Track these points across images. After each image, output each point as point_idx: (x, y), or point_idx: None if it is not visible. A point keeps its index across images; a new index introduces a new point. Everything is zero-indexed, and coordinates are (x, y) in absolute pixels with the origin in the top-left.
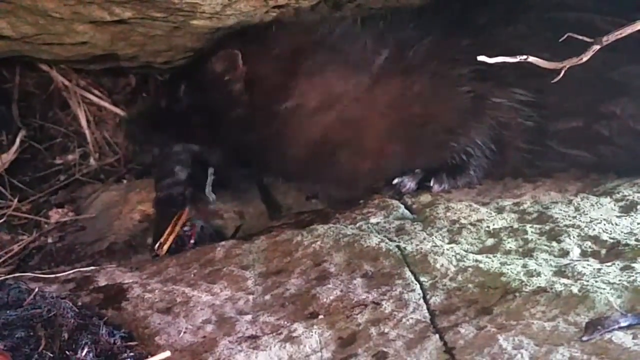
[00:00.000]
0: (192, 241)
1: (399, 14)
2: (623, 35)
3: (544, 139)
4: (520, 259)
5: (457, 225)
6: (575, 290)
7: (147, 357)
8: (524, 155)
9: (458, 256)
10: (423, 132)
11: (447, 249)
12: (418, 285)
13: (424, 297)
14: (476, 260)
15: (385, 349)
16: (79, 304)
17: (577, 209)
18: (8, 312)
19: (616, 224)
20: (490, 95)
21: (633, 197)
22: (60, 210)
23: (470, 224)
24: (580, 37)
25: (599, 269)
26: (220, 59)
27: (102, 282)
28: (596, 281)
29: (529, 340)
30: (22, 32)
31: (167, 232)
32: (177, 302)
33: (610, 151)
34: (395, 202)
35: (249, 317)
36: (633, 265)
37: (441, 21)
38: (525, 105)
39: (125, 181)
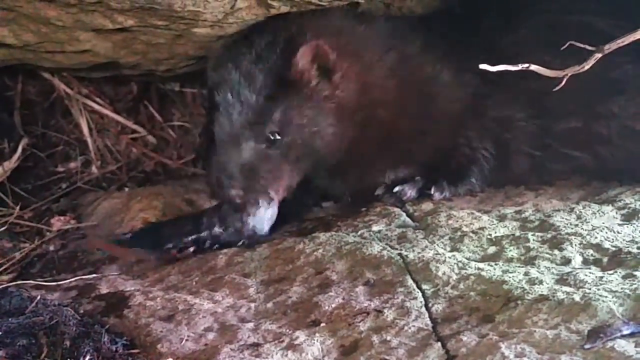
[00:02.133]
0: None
1: (402, 19)
2: (625, 43)
3: (546, 140)
4: (522, 267)
5: (459, 233)
6: (577, 298)
7: None
8: (527, 160)
9: (460, 264)
10: (423, 135)
11: (449, 257)
12: (420, 293)
13: (426, 305)
14: (478, 268)
15: (387, 357)
16: (81, 311)
17: (579, 217)
18: (10, 319)
19: (618, 232)
20: (488, 95)
21: (635, 205)
22: (62, 217)
23: (472, 231)
24: (582, 46)
25: (601, 277)
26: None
27: (104, 289)
28: (598, 289)
29: (531, 349)
30: (24, 40)
31: None
32: (179, 310)
33: (609, 152)
34: (397, 210)
35: (251, 325)
36: (635, 273)
37: (442, 26)
38: (525, 105)
39: (127, 189)
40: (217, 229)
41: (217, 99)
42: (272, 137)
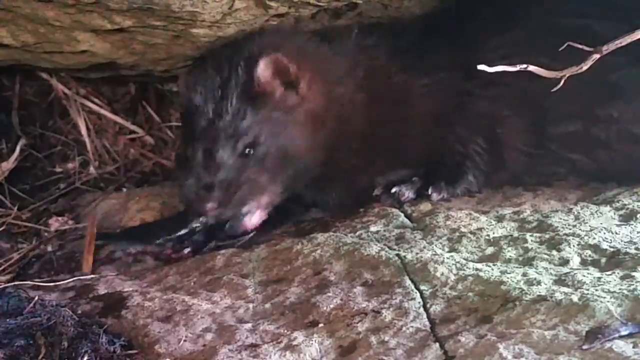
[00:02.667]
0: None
1: (397, 21)
2: (623, 44)
3: (544, 141)
4: (521, 267)
5: (457, 234)
6: (575, 298)
7: None
8: (523, 159)
9: (458, 265)
10: (407, 139)
11: (447, 258)
12: (418, 294)
13: (424, 306)
14: (476, 269)
15: (385, 358)
16: (79, 312)
17: (577, 218)
18: (8, 320)
19: (616, 233)
20: (474, 90)
21: (633, 206)
22: (60, 218)
23: (470, 232)
24: (580, 47)
25: (599, 278)
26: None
27: (102, 290)
28: (596, 290)
29: (529, 349)
30: (22, 41)
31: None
32: (177, 311)
33: (608, 156)
34: (395, 211)
35: (249, 326)
36: (633, 274)
37: (437, 27)
38: (515, 100)
39: (125, 189)
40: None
41: (188, 118)
42: (246, 151)
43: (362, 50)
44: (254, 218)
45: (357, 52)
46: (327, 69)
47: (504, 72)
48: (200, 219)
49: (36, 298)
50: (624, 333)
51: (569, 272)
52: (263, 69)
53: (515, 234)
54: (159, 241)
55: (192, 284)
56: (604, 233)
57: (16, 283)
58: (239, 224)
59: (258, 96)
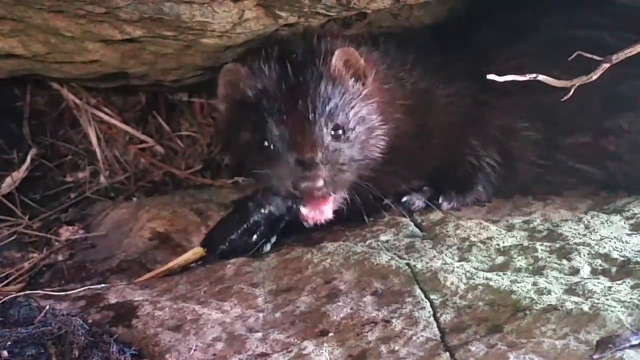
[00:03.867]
0: None
1: (407, 32)
2: (633, 53)
3: (554, 152)
4: (531, 276)
5: (467, 243)
6: (586, 308)
7: None
8: (534, 170)
9: (468, 274)
10: (429, 143)
11: (457, 267)
12: (428, 303)
13: (434, 315)
14: (486, 278)
15: None
16: (90, 321)
17: (587, 227)
18: (19, 329)
19: (626, 242)
20: (489, 101)
21: None
22: (70, 227)
23: (480, 241)
24: (590, 56)
25: (610, 287)
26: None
27: (113, 299)
28: (607, 299)
29: (539, 359)
30: (33, 51)
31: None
32: (188, 320)
33: (619, 167)
34: (405, 220)
35: (259, 335)
36: None
37: (449, 38)
38: (530, 114)
39: (135, 199)
40: (266, 210)
41: (267, 105)
42: (337, 132)
43: (400, 53)
44: (328, 209)
45: (402, 59)
46: (386, 70)
47: (516, 83)
48: (263, 210)
49: (47, 307)
50: (634, 342)
51: (579, 282)
52: (337, 59)
53: (526, 243)
54: (223, 247)
55: (203, 293)
56: (615, 242)
57: (27, 292)
58: (313, 214)
59: (336, 83)
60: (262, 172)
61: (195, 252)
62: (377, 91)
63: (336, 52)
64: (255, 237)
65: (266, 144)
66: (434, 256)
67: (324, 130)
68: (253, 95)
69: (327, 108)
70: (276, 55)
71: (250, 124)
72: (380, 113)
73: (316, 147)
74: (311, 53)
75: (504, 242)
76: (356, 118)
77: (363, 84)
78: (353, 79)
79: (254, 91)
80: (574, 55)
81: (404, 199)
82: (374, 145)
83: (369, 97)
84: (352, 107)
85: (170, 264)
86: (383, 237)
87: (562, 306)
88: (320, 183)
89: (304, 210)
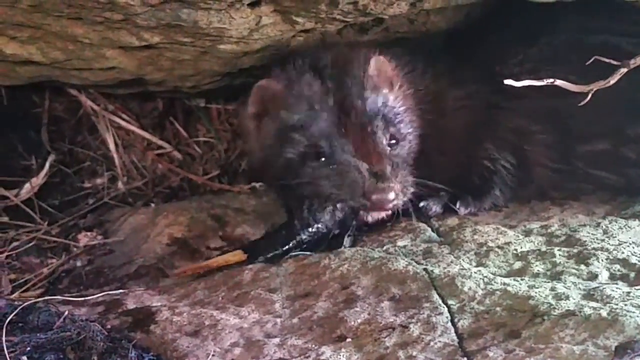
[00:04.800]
0: None
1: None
2: None
3: (571, 159)
4: (549, 282)
5: (485, 248)
6: (604, 313)
7: None
8: (550, 175)
9: (486, 279)
10: (446, 148)
11: (475, 272)
12: (446, 309)
13: (452, 321)
14: (504, 284)
15: None
16: (108, 327)
17: (605, 232)
18: (38, 335)
19: None
20: (503, 104)
21: None
22: (89, 233)
23: (498, 246)
24: (607, 61)
25: (628, 292)
26: None
27: (131, 305)
28: (625, 304)
29: None
30: (51, 58)
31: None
32: (205, 325)
33: (638, 174)
34: (422, 225)
35: (277, 340)
36: None
37: (464, 42)
38: (544, 117)
39: (153, 205)
40: (313, 228)
41: (318, 119)
42: (392, 141)
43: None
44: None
45: (417, 64)
46: (406, 76)
47: (531, 87)
48: (310, 229)
49: (66, 313)
50: None
51: (597, 287)
52: (372, 66)
53: (543, 248)
54: (261, 259)
55: (220, 298)
56: (633, 247)
57: (46, 298)
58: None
59: (376, 92)
60: (319, 184)
61: (235, 254)
62: (403, 98)
63: (371, 61)
64: (298, 250)
65: (324, 159)
66: (452, 261)
67: (384, 140)
68: (297, 112)
69: (379, 118)
70: (309, 68)
71: (299, 142)
72: (411, 120)
73: (383, 157)
74: (347, 63)
75: (521, 247)
76: (402, 126)
77: (394, 92)
78: (386, 87)
79: (297, 108)
80: (591, 60)
81: (421, 204)
82: (412, 152)
83: (402, 104)
84: (397, 116)
85: (210, 261)
86: (400, 243)
87: (580, 312)
88: (392, 195)
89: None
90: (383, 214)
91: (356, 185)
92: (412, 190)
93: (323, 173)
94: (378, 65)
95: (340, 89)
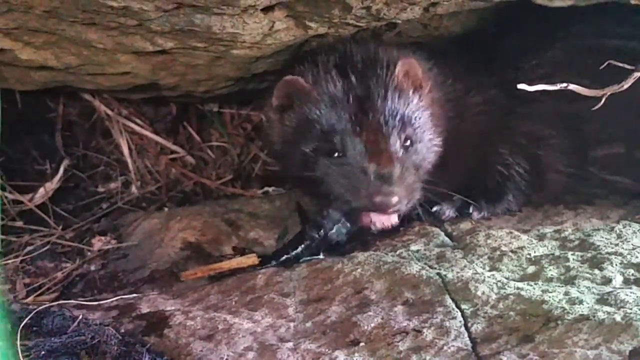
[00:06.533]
0: None
1: (438, 40)
2: None
3: (585, 164)
4: (562, 286)
5: (498, 253)
6: (618, 318)
7: None
8: (564, 180)
9: (499, 284)
10: (461, 152)
11: (488, 277)
12: (459, 313)
13: (466, 325)
14: (517, 288)
15: None
16: (122, 331)
17: (619, 236)
18: (52, 339)
19: None
20: (516, 109)
21: None
22: (102, 238)
23: (511, 251)
24: (621, 65)
25: None
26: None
27: (145, 309)
28: (639, 309)
29: None
30: (66, 63)
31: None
32: (219, 330)
33: None
34: (436, 230)
35: (290, 345)
36: None
37: (479, 47)
38: (557, 122)
39: (166, 209)
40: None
41: (337, 116)
42: (407, 143)
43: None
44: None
45: (441, 68)
46: (435, 80)
47: (544, 91)
48: (320, 233)
49: (80, 317)
50: None
51: (611, 291)
52: (400, 69)
53: (557, 253)
54: (273, 263)
55: (234, 303)
56: None
57: (60, 302)
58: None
59: (400, 94)
60: (328, 182)
61: (249, 257)
62: (431, 102)
63: (399, 63)
64: (308, 254)
65: (336, 155)
66: (465, 266)
67: (398, 142)
68: (318, 108)
69: (397, 119)
70: (336, 65)
71: (315, 136)
72: (434, 124)
73: (393, 160)
74: (374, 63)
75: (535, 252)
76: (421, 129)
77: (420, 95)
78: (413, 89)
79: (319, 103)
80: (605, 64)
81: (435, 208)
82: (432, 156)
83: (426, 107)
84: (417, 119)
85: (222, 264)
86: (414, 247)
87: (594, 316)
88: (395, 199)
89: (373, 215)
90: (388, 224)
91: (361, 186)
92: (418, 196)
93: (334, 170)
94: (406, 66)
95: (362, 87)
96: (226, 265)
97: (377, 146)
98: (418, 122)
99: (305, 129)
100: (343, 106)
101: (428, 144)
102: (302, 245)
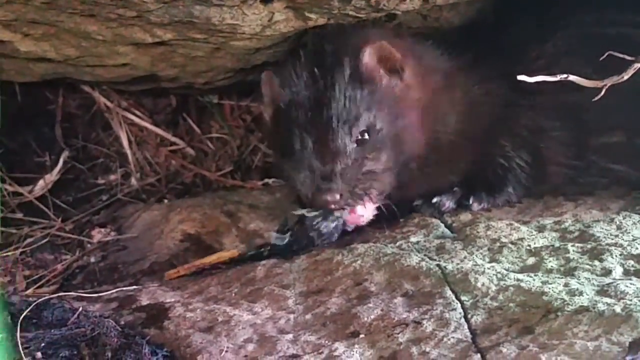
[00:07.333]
0: None
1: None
2: None
3: (585, 153)
4: (562, 278)
5: (498, 244)
6: (618, 309)
7: None
8: (565, 172)
9: (499, 275)
10: (461, 144)
11: (488, 268)
12: (459, 304)
13: (465, 317)
14: (517, 279)
15: None
16: (122, 323)
17: (619, 228)
18: (52, 331)
19: None
20: (518, 101)
21: None
22: (102, 229)
23: (511, 242)
24: (621, 55)
25: None
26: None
27: (145, 301)
28: (639, 300)
29: None
30: (65, 55)
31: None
32: (219, 321)
33: None
34: (435, 221)
35: (290, 336)
36: None
37: (478, 38)
38: (559, 113)
39: (166, 201)
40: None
41: (288, 111)
42: (361, 138)
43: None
44: (367, 212)
45: (437, 56)
46: (427, 62)
47: (545, 82)
48: (283, 241)
49: (80, 309)
50: None
51: (611, 283)
52: (369, 56)
53: (557, 244)
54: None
55: (233, 294)
56: None
57: (60, 294)
58: (351, 218)
59: (365, 83)
60: (292, 179)
61: (228, 250)
62: (418, 86)
63: (367, 50)
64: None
65: (294, 152)
66: (465, 257)
67: (347, 139)
68: (284, 103)
69: (353, 113)
70: (305, 60)
71: (283, 131)
72: (421, 110)
73: (336, 158)
74: (339, 53)
75: (535, 243)
76: (387, 118)
77: (401, 79)
78: (388, 74)
79: (285, 99)
80: (606, 55)
81: (434, 200)
82: (412, 145)
83: (407, 92)
84: (383, 107)
85: (203, 260)
86: (413, 239)
87: (594, 307)
88: (336, 197)
89: (344, 214)
90: (359, 221)
91: (306, 184)
92: (385, 187)
93: (292, 168)
94: (377, 51)
95: (324, 81)
96: (207, 260)
97: (322, 144)
98: (384, 111)
99: (278, 124)
100: (302, 103)
101: (403, 132)
102: (280, 237)
